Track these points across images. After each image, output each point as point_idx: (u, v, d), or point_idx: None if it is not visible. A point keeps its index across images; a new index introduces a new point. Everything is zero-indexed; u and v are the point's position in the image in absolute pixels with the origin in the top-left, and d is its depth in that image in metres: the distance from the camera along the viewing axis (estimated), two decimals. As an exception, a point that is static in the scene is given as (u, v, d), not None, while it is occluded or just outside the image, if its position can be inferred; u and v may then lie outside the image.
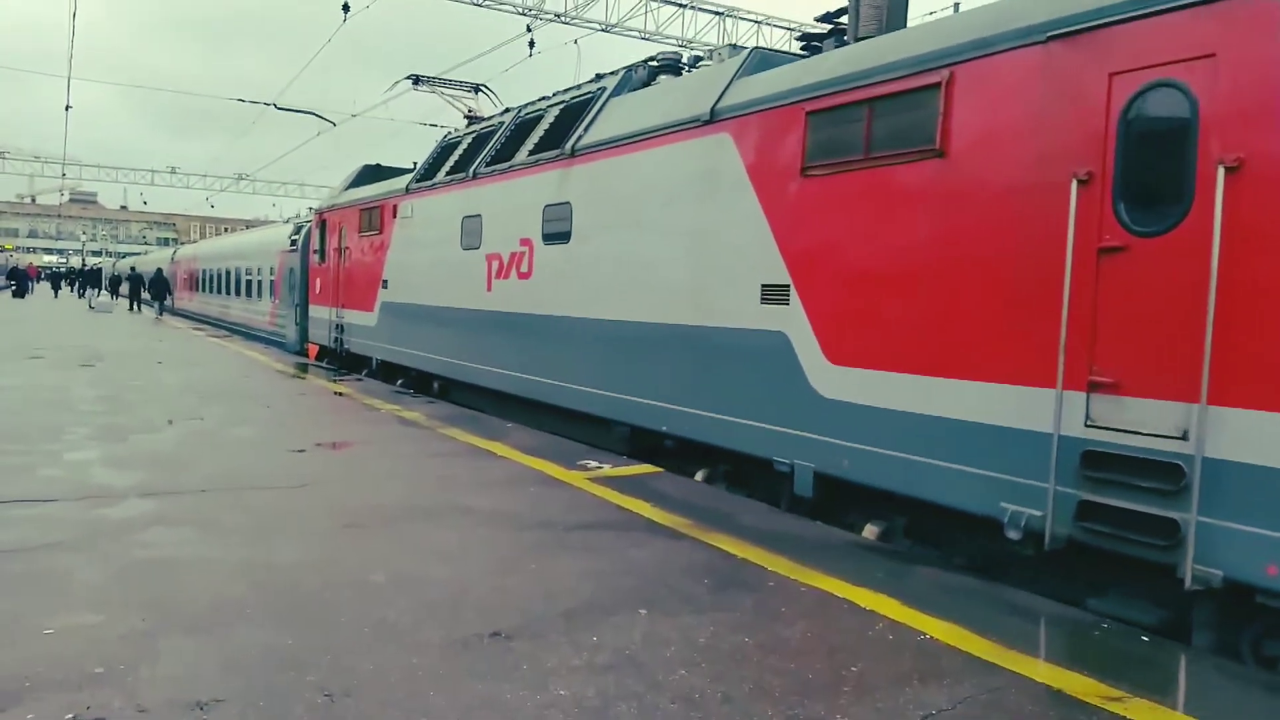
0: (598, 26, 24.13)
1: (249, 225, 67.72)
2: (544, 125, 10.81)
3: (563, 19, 23.61)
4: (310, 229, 20.12)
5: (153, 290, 35.30)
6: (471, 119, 15.14)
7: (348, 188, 18.01)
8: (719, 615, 4.35)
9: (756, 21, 25.41)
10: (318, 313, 19.08)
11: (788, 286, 6.82)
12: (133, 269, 48.86)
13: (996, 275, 5.36)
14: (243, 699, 3.31)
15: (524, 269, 10.53)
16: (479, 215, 11.71)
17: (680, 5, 24.60)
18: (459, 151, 13.11)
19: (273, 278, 24.22)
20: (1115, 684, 3.68)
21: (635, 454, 8.60)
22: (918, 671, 3.76)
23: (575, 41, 22.26)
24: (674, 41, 24.51)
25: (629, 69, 10.12)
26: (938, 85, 5.73)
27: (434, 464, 7.86)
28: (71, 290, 51.59)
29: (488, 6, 23.10)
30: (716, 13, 25.16)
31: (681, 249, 7.98)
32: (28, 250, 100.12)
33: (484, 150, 12.10)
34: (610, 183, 9.06)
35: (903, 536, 6.26)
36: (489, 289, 11.39)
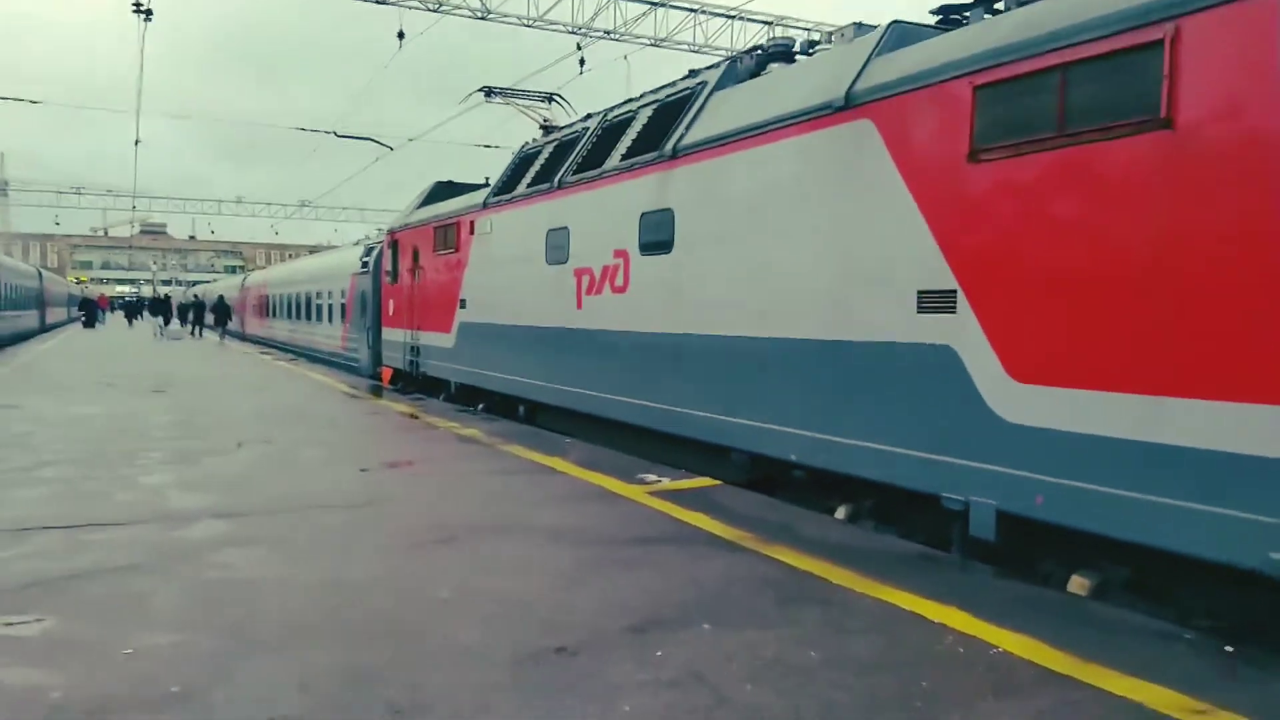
0: (647, 41, 24.28)
1: (312, 251, 69.29)
2: (636, 127, 10.02)
3: (612, 36, 23.80)
4: (381, 250, 19.72)
5: (216, 315, 37.13)
6: (547, 128, 14.58)
7: (419, 206, 17.51)
8: (784, 629, 4.30)
9: (805, 29, 25.32)
10: (391, 335, 18.52)
11: (953, 292, 5.83)
12: (195, 296, 50.33)
13: (1260, 271, 4.36)
14: (316, 716, 3.36)
15: (619, 283, 9.75)
16: (565, 228, 10.98)
17: (729, 16, 24.64)
18: (540, 161, 12.34)
19: (343, 301, 23.93)
20: (1200, 697, 3.55)
21: (755, 485, 7.79)
22: (991, 686, 3.66)
23: (625, 57, 22.44)
24: (724, 52, 24.52)
25: (732, 60, 9.32)
26: (1160, 41, 4.73)
27: (494, 481, 7.93)
28: (140, 319, 52.97)
29: (538, 26, 23.39)
30: (766, 22, 25.14)
31: (810, 254, 7.07)
32: (101, 281, 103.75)
33: (568, 158, 11.35)
34: (720, 184, 8.21)
35: (1123, 590, 5.28)
36: (579, 306, 10.58)
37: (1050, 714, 3.41)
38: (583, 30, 23.43)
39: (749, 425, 7.74)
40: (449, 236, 14.98)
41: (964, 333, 5.77)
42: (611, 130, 10.64)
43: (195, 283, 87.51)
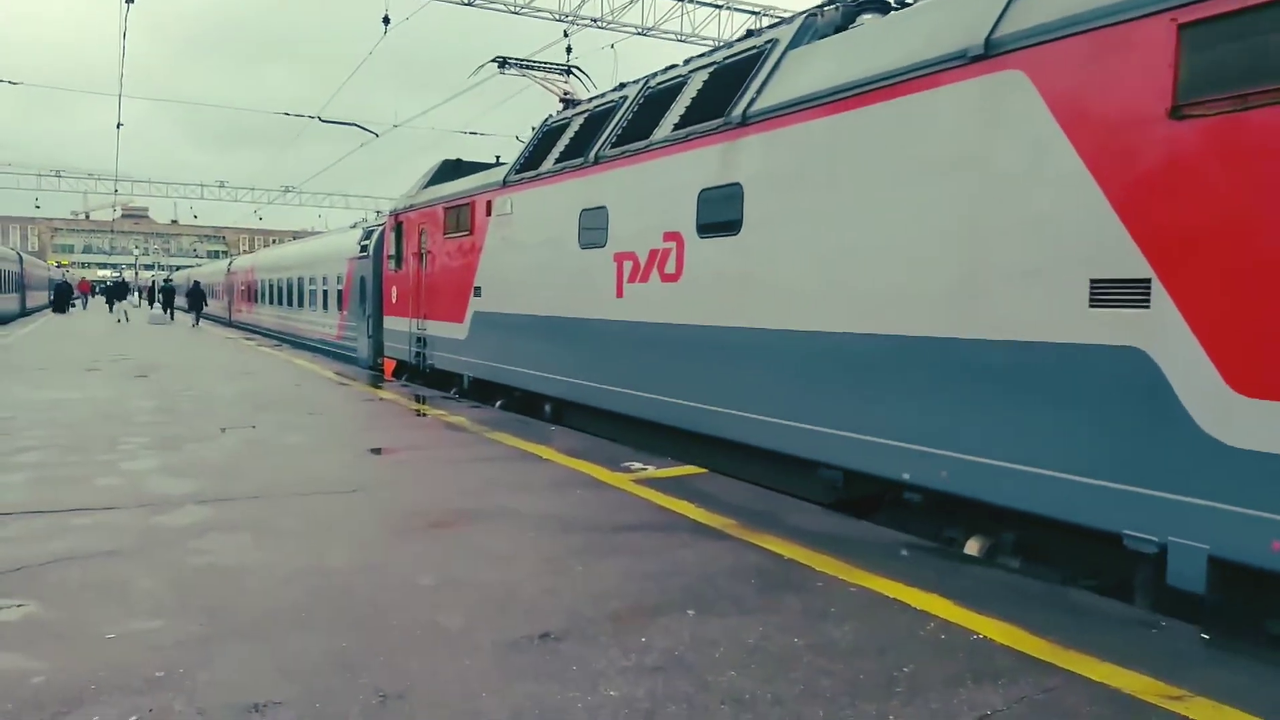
0: (634, 30, 24.20)
1: (295, 236, 68.85)
2: (689, 94, 8.93)
3: (599, 24, 23.71)
4: (384, 233, 18.55)
5: (191, 301, 38.20)
6: (568, 101, 13.59)
7: (426, 185, 16.29)
8: (767, 616, 4.33)
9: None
10: (394, 325, 17.33)
11: (1146, 282, 4.70)
12: (167, 280, 49.86)
13: None
14: (299, 701, 3.36)
15: (670, 269, 8.66)
16: (603, 207, 9.84)
17: (716, 6, 24.57)
18: (568, 135, 11.21)
19: (340, 287, 22.83)
20: (1175, 683, 3.60)
21: (848, 506, 6.85)
22: (971, 671, 3.70)
23: (612, 46, 22.35)
24: (711, 42, 24.48)
25: (808, 14, 8.08)
26: None
27: (480, 468, 7.92)
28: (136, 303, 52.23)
29: (525, 13, 23.27)
30: (753, 12, 25.09)
31: (931, 234, 5.98)
32: (83, 265, 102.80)
33: (604, 131, 10.24)
34: (805, 154, 7.06)
35: None
36: (619, 294, 9.51)
37: (1029, 699, 3.45)
38: (570, 18, 23.32)
39: (845, 437, 6.63)
40: (462, 218, 13.84)
41: (1162, 332, 4.64)
42: (657, 99, 9.54)
43: (178, 268, 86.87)
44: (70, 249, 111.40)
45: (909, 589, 4.73)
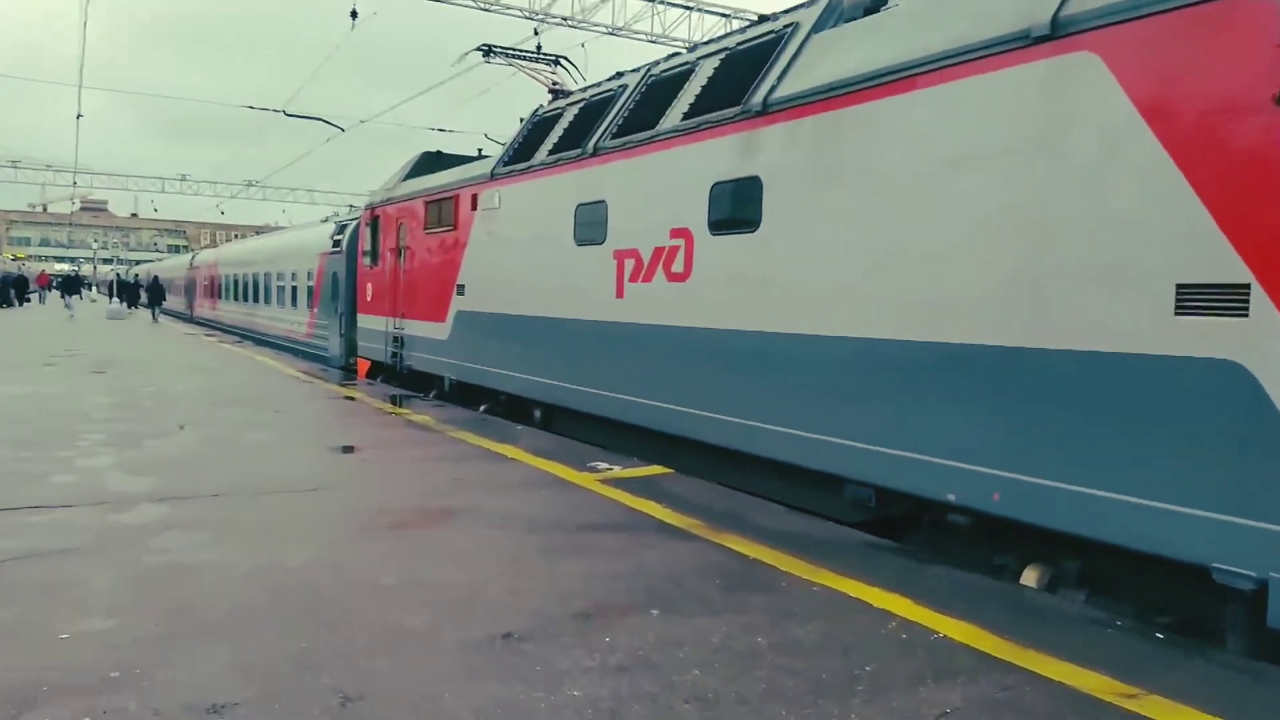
0: (605, 30, 24.17)
1: (258, 231, 68.02)
2: (698, 82, 8.37)
3: (569, 23, 23.66)
4: (359, 227, 17.81)
5: (150, 296, 37.94)
6: (558, 92, 13.00)
7: (405, 178, 15.55)
8: (732, 616, 4.34)
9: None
10: (369, 323, 16.61)
11: (1244, 288, 4.22)
12: (118, 275, 48.91)
13: None
14: (258, 702, 3.32)
15: (677, 268, 8.09)
16: (602, 202, 9.26)
17: (686, 8, 24.62)
18: (562, 125, 10.59)
19: (310, 283, 21.87)
20: (1131, 681, 3.66)
21: (879, 527, 6.29)
22: (932, 670, 3.74)
23: (583, 45, 22.28)
24: (681, 43, 24.52)
25: None
26: None
27: (445, 468, 7.87)
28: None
29: (495, 10, 23.16)
30: (724, 14, 25.17)
31: (986, 233, 5.40)
32: (40, 259, 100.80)
33: (603, 121, 9.64)
34: (835, 145, 6.52)
35: None
36: (619, 294, 8.93)
37: (987, 698, 3.50)
38: (540, 16, 23.25)
39: (879, 453, 6.07)
40: (444, 212, 13.15)
41: (1263, 344, 4.16)
42: (662, 87, 8.97)
43: (138, 262, 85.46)
44: (27, 241, 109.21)
45: (871, 588, 4.77)
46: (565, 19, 23.61)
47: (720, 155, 7.67)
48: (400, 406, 11.97)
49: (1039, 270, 5.13)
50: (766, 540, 5.67)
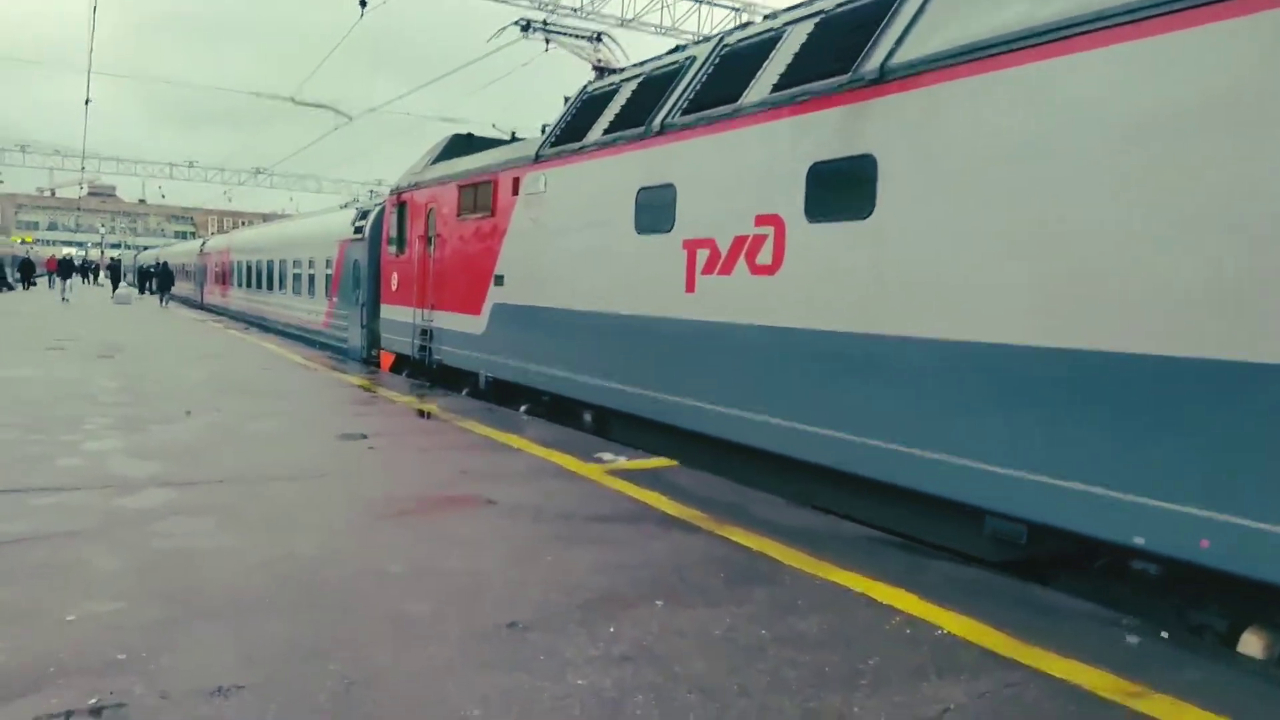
0: (615, 21, 24.09)
1: (266, 219, 68.07)
2: (789, 49, 7.43)
3: (579, 14, 23.59)
4: (382, 213, 17.03)
5: (159, 281, 38.58)
6: (603, 69, 12.07)
7: (434, 161, 14.77)
8: (735, 608, 4.34)
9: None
10: (393, 314, 15.75)
11: None
12: (113, 260, 48.83)
13: None
14: (263, 686, 3.33)
15: (763, 260, 7.23)
16: (669, 185, 8.38)
17: (696, 0, 24.54)
18: (619, 103, 9.70)
19: (329, 271, 20.86)
20: (1135, 679, 3.66)
21: (1025, 567, 5.52)
22: (935, 665, 3.74)
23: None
24: (692, 36, 24.45)
25: None
26: None
27: (450, 456, 7.88)
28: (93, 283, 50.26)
29: (506, 2, 23.10)
30: (734, 9, 25.08)
31: (1192, 220, 4.48)
32: (48, 243, 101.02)
33: (669, 96, 8.78)
34: (980, 116, 5.58)
35: None
36: (689, 289, 8.08)
37: (991, 694, 3.50)
38: (550, 7, 23.19)
39: (1038, 483, 5.15)
40: (481, 197, 12.27)
41: None
42: (741, 57, 8.06)
43: (145, 247, 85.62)
44: (35, 225, 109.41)
45: (875, 583, 4.77)
46: (575, 10, 23.54)
47: (821, 131, 6.76)
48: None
49: (1266, 265, 4.20)
50: (770, 533, 5.67)
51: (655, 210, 8.63)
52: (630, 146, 9.11)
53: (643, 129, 8.90)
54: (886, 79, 6.27)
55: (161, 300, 37.68)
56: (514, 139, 13.42)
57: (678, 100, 8.57)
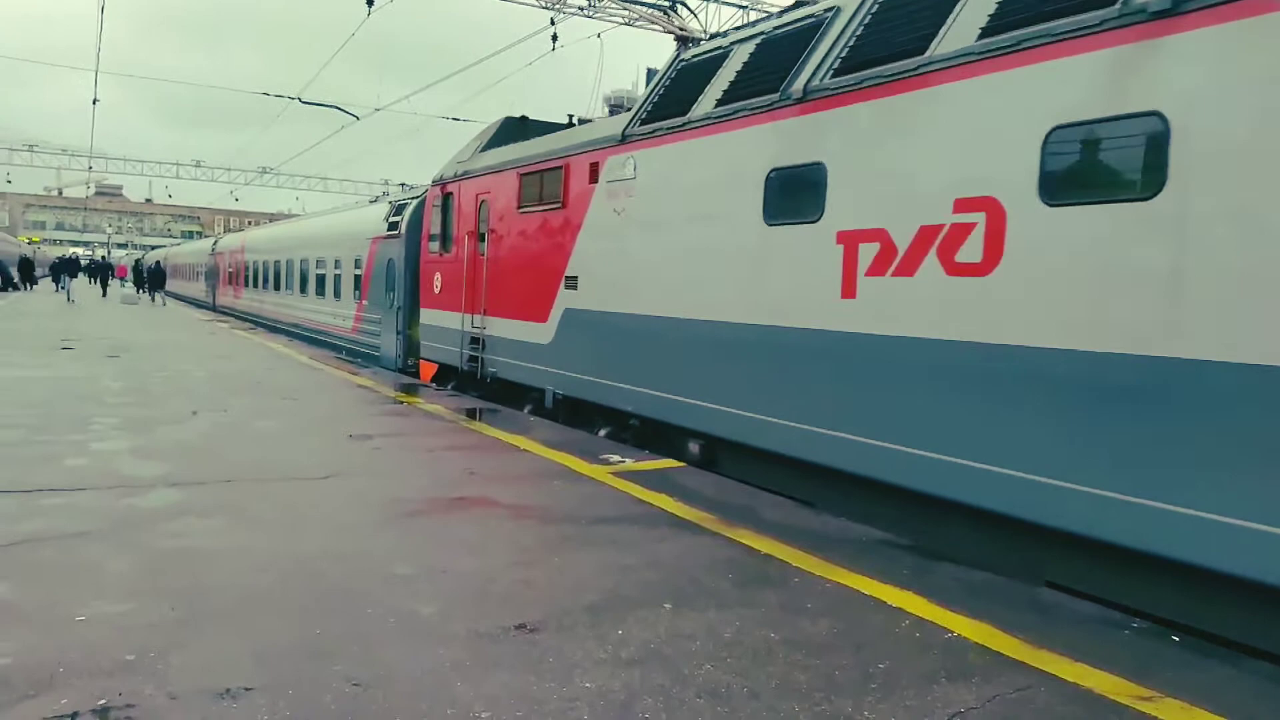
0: (621, 20, 24.09)
1: (272, 219, 68.13)
2: None
3: (586, 13, 23.58)
4: (420, 207, 15.60)
5: (151, 281, 40.07)
6: (685, 39, 10.52)
7: (484, 148, 13.26)
8: (744, 610, 4.33)
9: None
10: (436, 320, 14.27)
11: None
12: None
13: None
14: (271, 687, 3.33)
15: (968, 256, 5.73)
16: (817, 164, 6.92)
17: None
18: (732, 69, 8.25)
19: (359, 272, 19.13)
20: (1146, 683, 3.64)
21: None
22: (945, 669, 3.73)
23: (599, 35, 22.25)
24: (699, 34, 24.45)
25: None
26: None
27: (458, 457, 7.88)
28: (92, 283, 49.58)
29: (511, 0, 23.10)
30: (741, 6, 25.06)
31: None
32: (55, 242, 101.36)
33: (811, 55, 7.24)
34: None
35: None
36: (847, 293, 6.61)
37: (1001, 698, 3.48)
38: (556, 6, 23.18)
39: None
40: (548, 186, 10.82)
41: None
42: (904, 3, 6.63)
43: (152, 247, 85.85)
44: (42, 225, 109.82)
45: (884, 586, 4.75)
46: (582, 9, 23.54)
47: (1064, 84, 5.29)
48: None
49: None
50: (779, 535, 5.66)
51: (794, 195, 7.21)
52: (756, 119, 7.61)
53: (775, 96, 7.38)
54: (1181, 9, 4.71)
55: (153, 298, 39.22)
56: (572, 123, 12.19)
57: (825, 60, 7.04)
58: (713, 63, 8.69)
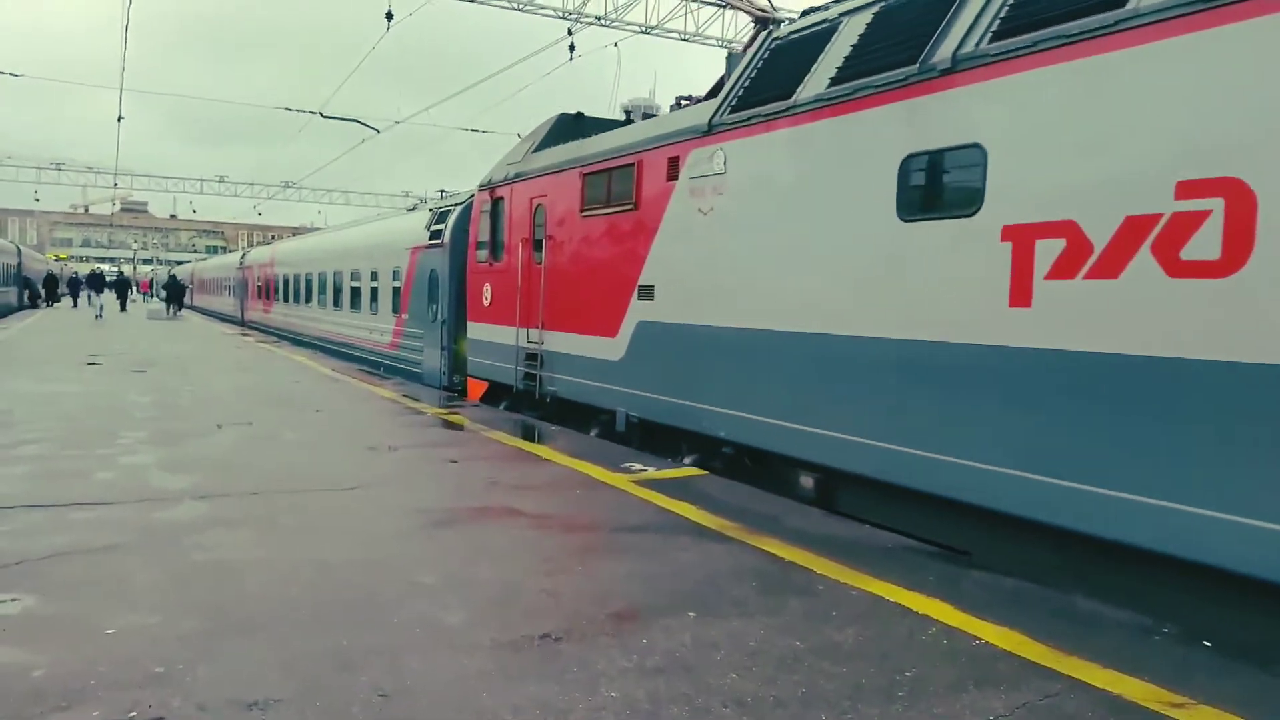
0: (638, 29, 24.16)
1: (295, 232, 68.76)
2: None
3: (603, 22, 23.68)
4: (466, 214, 14.73)
5: (169, 294, 41.91)
6: (765, 20, 9.82)
7: (538, 148, 12.30)
8: (768, 619, 4.31)
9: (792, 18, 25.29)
10: (486, 334, 13.30)
11: None
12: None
13: None
14: (299, 698, 3.35)
15: (1198, 253, 4.69)
16: (973, 145, 5.90)
17: (720, 5, 24.55)
18: (846, 43, 7.22)
19: (397, 284, 18.20)
20: (1178, 690, 3.59)
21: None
22: (973, 677, 3.69)
23: (615, 44, 22.32)
24: (715, 42, 24.50)
25: None
26: None
27: (480, 467, 7.90)
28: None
29: (529, 10, 23.24)
30: (761, 11, 25.06)
31: None
32: (82, 259, 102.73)
33: (956, 20, 6.23)
34: None
35: None
36: (1019, 300, 5.54)
37: (1031, 705, 3.44)
38: (573, 16, 23.29)
39: None
40: (617, 186, 9.92)
41: None
42: None
43: (178, 262, 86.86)
44: (69, 242, 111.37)
45: (910, 593, 4.72)
46: (599, 18, 23.63)
47: None
48: (422, 404, 11.97)
49: None
50: (803, 543, 5.63)
51: (939, 185, 6.32)
52: (886, 98, 6.61)
53: (912, 70, 6.38)
54: None
55: (168, 310, 40.59)
56: (629, 120, 11.45)
57: (978, 23, 6.06)
58: (817, 39, 7.65)
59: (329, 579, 4.75)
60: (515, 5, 23.10)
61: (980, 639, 4.11)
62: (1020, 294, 5.58)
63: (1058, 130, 5.44)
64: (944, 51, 6.19)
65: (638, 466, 7.99)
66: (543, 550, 5.40)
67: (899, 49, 6.62)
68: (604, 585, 4.76)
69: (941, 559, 5.51)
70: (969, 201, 5.97)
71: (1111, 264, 5.09)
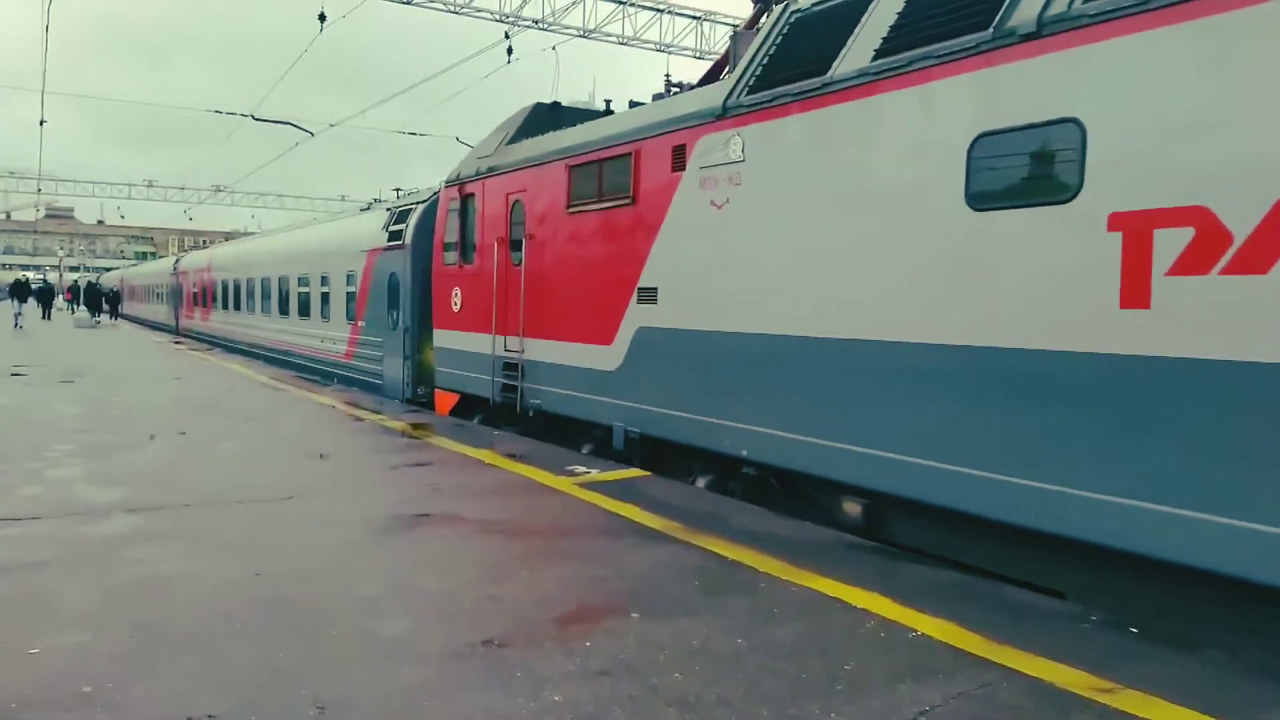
0: (576, 32, 24.14)
1: (228, 237, 67.19)
2: None
3: (540, 25, 23.62)
4: (433, 212, 13.56)
5: (88, 300, 42.28)
6: None
7: (513, 139, 11.29)
8: (712, 618, 4.35)
9: (734, 25, 25.52)
10: (455, 342, 12.25)
11: None
12: (90, 283, 48.38)
13: None
14: (235, 713, 3.28)
15: None
16: (1066, 121, 5.04)
17: (657, 10, 24.66)
18: (890, 9, 6.32)
19: (352, 289, 17.00)
20: (1106, 676, 3.71)
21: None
22: (911, 668, 3.77)
23: (554, 48, 22.27)
24: (653, 46, 24.60)
25: None
26: None
27: (422, 474, 7.82)
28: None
29: (465, 13, 23.09)
30: (694, 17, 25.24)
31: None
32: (4, 267, 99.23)
33: None
34: None
35: None
36: (1132, 300, 4.71)
37: (966, 695, 3.53)
38: (511, 19, 23.19)
39: None
40: (610, 178, 9.00)
41: None
42: None
43: (107, 269, 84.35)
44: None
45: (850, 588, 4.79)
46: (536, 22, 23.57)
47: None
48: (361, 410, 11.82)
49: None
50: (746, 541, 5.69)
51: (1023, 168, 5.45)
52: (951, 69, 5.73)
53: (985, 35, 5.51)
54: None
55: (92, 316, 40.72)
56: (609, 110, 10.72)
57: None
58: (852, 8, 6.75)
59: (266, 591, 4.66)
60: (452, 8, 22.93)
61: (917, 630, 4.20)
62: (1135, 293, 4.72)
63: (1179, 99, 4.59)
64: (1028, 11, 5.33)
65: (581, 469, 7.98)
66: (486, 556, 5.37)
67: (966, 12, 5.75)
68: (548, 589, 4.74)
69: (878, 553, 5.61)
70: (1063, 186, 5.12)
71: (1259, 257, 4.26)
